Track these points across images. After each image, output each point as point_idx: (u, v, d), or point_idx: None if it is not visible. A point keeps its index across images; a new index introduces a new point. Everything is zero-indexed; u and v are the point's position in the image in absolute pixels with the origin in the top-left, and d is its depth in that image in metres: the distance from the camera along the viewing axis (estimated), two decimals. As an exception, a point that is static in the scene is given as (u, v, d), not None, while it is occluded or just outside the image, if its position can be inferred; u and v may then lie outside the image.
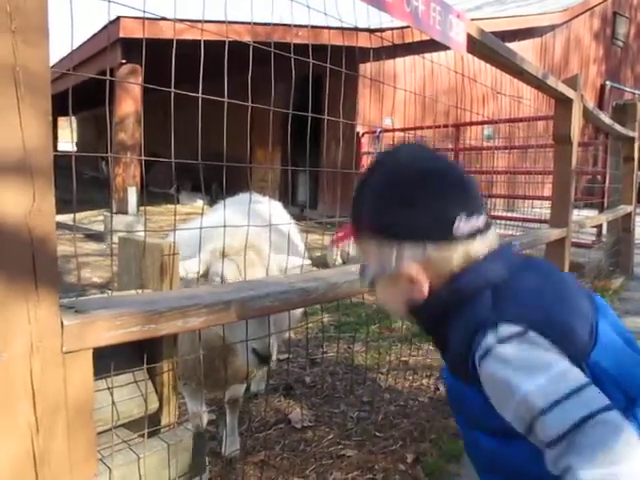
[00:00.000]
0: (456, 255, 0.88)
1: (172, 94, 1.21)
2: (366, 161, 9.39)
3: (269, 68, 1.51)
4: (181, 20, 7.08)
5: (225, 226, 1.31)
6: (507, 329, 0.78)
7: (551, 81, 2.91)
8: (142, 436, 1.27)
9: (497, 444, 0.89)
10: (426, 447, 2.42)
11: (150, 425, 1.29)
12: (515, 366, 0.76)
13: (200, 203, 11.08)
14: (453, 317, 0.88)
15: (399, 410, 2.76)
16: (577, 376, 0.75)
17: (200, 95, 1.33)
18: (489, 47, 2.17)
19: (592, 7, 13.62)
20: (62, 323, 0.87)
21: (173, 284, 1.31)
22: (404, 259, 0.89)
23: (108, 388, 1.19)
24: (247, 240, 1.52)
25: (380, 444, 2.43)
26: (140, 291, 1.25)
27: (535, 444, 0.76)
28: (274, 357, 1.61)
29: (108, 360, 1.12)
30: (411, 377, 3.08)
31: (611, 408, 0.70)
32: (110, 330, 0.94)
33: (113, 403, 1.20)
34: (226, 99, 1.35)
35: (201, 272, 1.68)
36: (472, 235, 0.88)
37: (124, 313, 0.96)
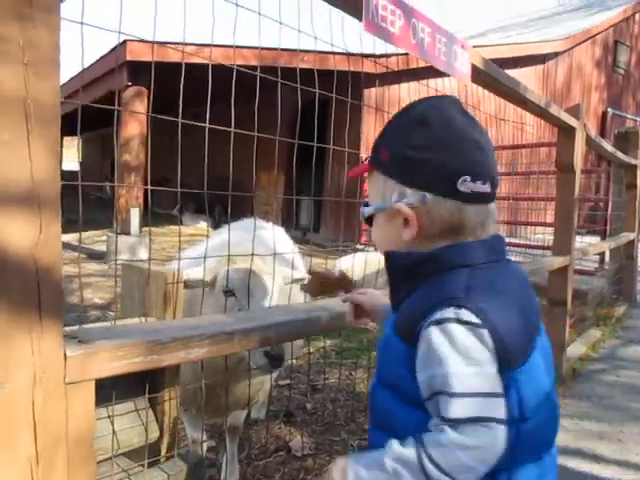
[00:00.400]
0: (450, 213, 0.90)
1: (180, 124, 1.22)
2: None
3: (274, 93, 1.52)
4: (188, 44, 7.20)
5: (229, 255, 1.30)
6: (468, 315, 0.81)
7: (554, 110, 2.93)
8: (142, 466, 1.26)
9: (399, 406, 0.90)
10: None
11: (150, 454, 1.28)
12: (456, 347, 0.80)
13: (204, 225, 11.10)
14: (423, 279, 0.91)
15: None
16: (495, 384, 0.80)
17: (207, 125, 1.35)
18: (493, 77, 2.20)
19: (594, 35, 13.78)
20: (65, 354, 0.86)
21: (177, 312, 1.31)
22: (404, 200, 0.92)
23: (108, 416, 1.18)
24: (251, 264, 1.52)
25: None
26: (143, 319, 1.25)
27: (428, 411, 0.83)
28: (286, 358, 1.58)
29: (108, 389, 1.11)
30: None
31: (503, 423, 0.79)
32: (113, 361, 0.93)
33: (113, 432, 1.18)
34: (232, 129, 1.36)
35: (207, 279, 1.68)
36: (471, 199, 0.90)
37: (127, 344, 0.96)
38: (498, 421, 0.78)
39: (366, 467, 0.84)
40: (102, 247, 7.89)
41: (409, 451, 0.80)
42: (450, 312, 0.82)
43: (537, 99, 2.64)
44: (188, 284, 1.68)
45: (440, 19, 1.73)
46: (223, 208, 12.09)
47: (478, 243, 0.92)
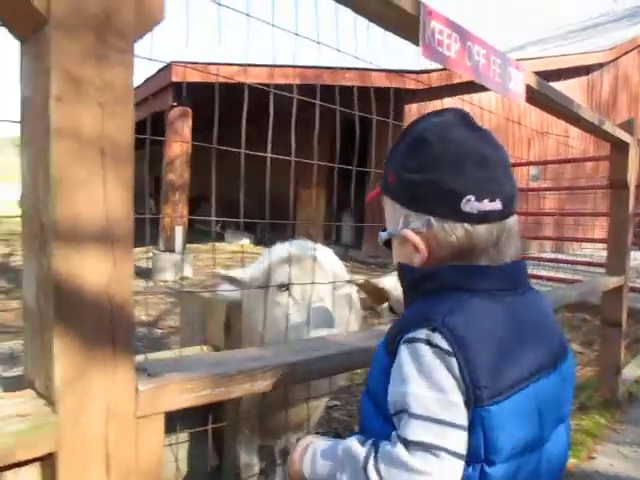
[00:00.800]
0: (457, 237, 0.86)
1: (213, 150, 1.24)
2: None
3: (315, 111, 1.52)
4: (230, 64, 7.34)
5: (289, 285, 1.30)
6: (440, 340, 0.78)
7: (607, 127, 2.86)
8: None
9: (376, 419, 0.88)
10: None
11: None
12: (421, 369, 0.78)
13: (246, 242, 11.22)
14: (424, 295, 0.88)
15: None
16: (456, 415, 0.77)
17: (242, 150, 1.35)
18: (547, 96, 2.16)
19: (640, 45, 13.45)
20: (137, 388, 0.87)
21: (237, 341, 1.31)
22: (410, 226, 0.89)
23: (170, 445, 1.18)
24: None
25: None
26: (204, 348, 1.26)
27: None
28: None
29: (173, 419, 1.12)
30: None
31: (459, 457, 0.76)
32: (182, 394, 0.94)
33: (176, 460, 1.19)
34: (269, 154, 1.37)
35: (261, 278, 1.70)
36: (479, 220, 0.85)
37: (195, 377, 0.96)
38: (451, 453, 0.75)
39: (323, 451, 0.87)
40: (147, 264, 8.04)
41: (361, 450, 0.80)
42: (422, 333, 0.80)
43: (590, 117, 2.58)
44: (244, 283, 1.71)
45: (476, 33, 1.71)
46: (265, 226, 12.21)
47: (490, 269, 0.87)
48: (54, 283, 0.77)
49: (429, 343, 0.78)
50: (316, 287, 1.66)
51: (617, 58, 12.69)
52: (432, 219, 0.86)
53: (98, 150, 0.81)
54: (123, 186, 0.84)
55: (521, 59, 8.02)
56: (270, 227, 11.68)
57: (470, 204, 0.84)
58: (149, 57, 1.04)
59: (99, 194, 0.81)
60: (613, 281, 3.23)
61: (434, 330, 0.79)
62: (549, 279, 6.21)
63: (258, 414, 1.55)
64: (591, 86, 12.32)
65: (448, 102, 8.98)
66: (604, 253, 6.08)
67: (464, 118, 0.92)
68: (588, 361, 4.18)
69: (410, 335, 0.81)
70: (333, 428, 2.97)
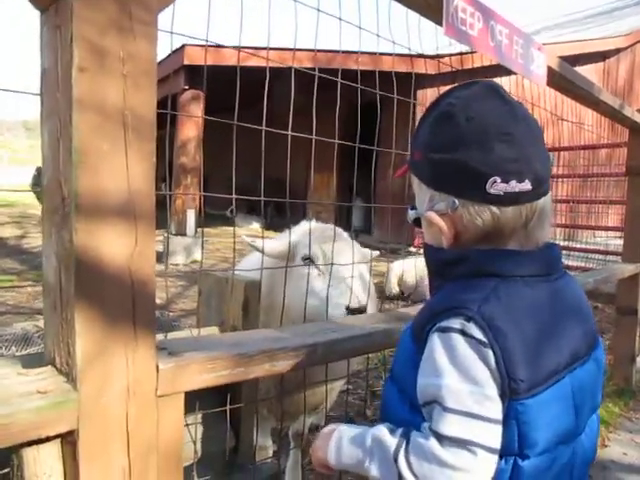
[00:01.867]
0: (483, 220, 0.82)
1: (234, 127, 1.23)
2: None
3: (327, 94, 1.49)
4: (243, 47, 7.28)
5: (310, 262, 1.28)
6: (475, 330, 0.75)
7: (627, 111, 2.80)
8: (218, 475, 1.26)
9: (403, 407, 0.86)
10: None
11: (227, 463, 1.27)
12: (455, 360, 0.75)
13: (256, 226, 11.21)
14: (450, 279, 0.85)
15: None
16: (491, 409, 0.74)
17: (264, 128, 1.33)
18: (568, 79, 2.11)
19: (658, 30, 13.19)
20: (157, 367, 0.86)
21: (255, 321, 1.30)
22: (435, 207, 0.86)
23: (187, 425, 1.18)
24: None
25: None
26: (217, 329, 1.24)
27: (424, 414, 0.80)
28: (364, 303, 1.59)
29: (191, 399, 1.11)
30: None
31: (493, 452, 0.73)
32: (202, 374, 0.93)
33: (193, 441, 1.18)
34: (290, 132, 1.35)
35: (285, 251, 1.72)
36: (506, 201, 0.81)
37: (215, 357, 0.95)
38: (486, 449, 0.72)
39: (351, 439, 0.85)
40: (159, 247, 8.07)
41: (392, 440, 0.78)
42: (457, 322, 0.76)
43: (611, 101, 2.53)
44: (269, 255, 1.70)
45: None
46: (275, 209, 12.19)
47: (524, 254, 0.83)
48: (76, 257, 0.76)
49: (464, 333, 0.75)
50: (350, 260, 1.66)
51: (634, 44, 12.47)
52: (456, 201, 0.82)
53: (121, 123, 0.79)
54: (145, 160, 0.82)
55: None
56: (280, 211, 11.67)
57: (496, 186, 0.80)
58: (170, 31, 1.02)
59: (122, 167, 0.80)
60: (629, 269, 3.19)
61: (469, 319, 0.75)
62: (565, 267, 6.15)
63: (276, 395, 1.54)
64: (607, 72, 12.13)
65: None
66: (617, 241, 6.02)
67: (493, 90, 0.86)
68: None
69: (443, 324, 0.77)
70: (344, 412, 2.96)
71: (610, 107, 2.59)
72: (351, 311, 1.53)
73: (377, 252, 1.93)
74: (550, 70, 1.93)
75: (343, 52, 7.68)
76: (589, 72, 11.13)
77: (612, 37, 11.88)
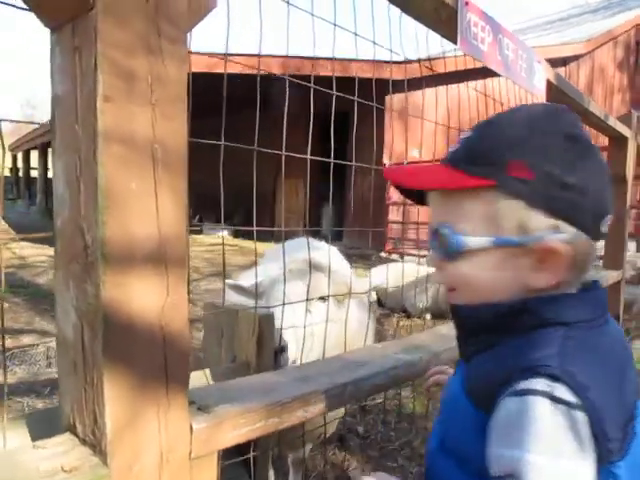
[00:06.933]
0: (582, 255, 0.74)
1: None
2: (393, 193, 9.34)
3: (294, 102, 1.38)
4: (210, 54, 7.13)
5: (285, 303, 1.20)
6: (565, 393, 0.65)
7: (611, 121, 2.82)
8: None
9: (460, 473, 0.77)
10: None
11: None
12: (540, 430, 0.64)
13: (224, 234, 11.05)
14: (507, 334, 0.75)
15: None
16: None
17: (222, 142, 1.22)
18: (562, 91, 2.09)
19: (616, 37, 13.57)
20: (191, 427, 0.77)
21: (269, 357, 1.22)
22: (549, 237, 0.72)
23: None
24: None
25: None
26: (231, 366, 1.15)
27: None
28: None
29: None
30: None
31: None
32: (235, 429, 0.84)
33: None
34: (255, 147, 1.25)
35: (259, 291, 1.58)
36: (600, 239, 0.76)
37: (249, 409, 0.86)
38: None
39: None
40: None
41: None
42: (540, 384, 0.66)
43: (599, 111, 2.53)
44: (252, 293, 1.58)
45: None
46: (242, 217, 12.04)
47: (578, 296, 0.76)
48: (104, 314, 0.66)
49: (551, 397, 0.64)
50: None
51: (593, 50, 12.81)
52: (583, 235, 0.73)
53: (150, 157, 0.70)
54: (177, 199, 0.73)
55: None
56: (249, 219, 11.52)
57: (605, 224, 0.75)
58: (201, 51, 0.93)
59: (152, 209, 0.70)
60: (613, 276, 3.21)
61: (555, 379, 0.65)
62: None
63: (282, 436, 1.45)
64: (568, 77, 12.42)
65: (429, 92, 8.94)
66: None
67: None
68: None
69: (520, 387, 0.67)
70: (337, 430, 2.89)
71: (596, 117, 2.59)
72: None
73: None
74: (548, 83, 1.90)
75: (310, 58, 7.63)
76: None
77: (572, 43, 12.18)
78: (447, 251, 0.78)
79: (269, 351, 1.22)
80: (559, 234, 0.72)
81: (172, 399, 0.74)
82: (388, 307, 5.63)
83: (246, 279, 1.80)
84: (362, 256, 8.88)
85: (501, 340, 0.75)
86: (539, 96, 1.84)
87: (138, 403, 0.70)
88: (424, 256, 8.11)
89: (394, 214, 9.49)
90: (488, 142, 0.76)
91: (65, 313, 0.73)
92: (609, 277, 3.20)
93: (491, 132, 0.78)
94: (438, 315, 5.28)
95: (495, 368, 0.73)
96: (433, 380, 1.11)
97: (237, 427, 0.84)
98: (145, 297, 0.70)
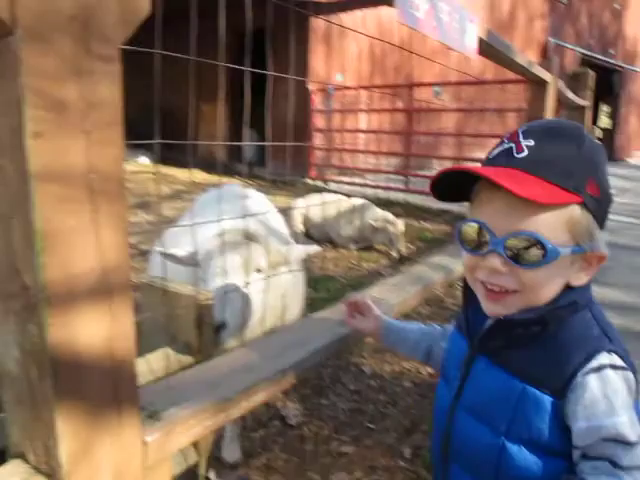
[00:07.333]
0: None
1: None
2: (317, 119, 9.24)
3: (213, 20, 1.29)
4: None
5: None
6: (618, 360, 0.82)
7: (534, 69, 2.90)
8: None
9: (537, 459, 0.87)
10: (420, 439, 2.47)
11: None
12: (618, 395, 0.80)
13: (145, 160, 10.63)
14: (556, 323, 0.87)
15: (387, 398, 2.80)
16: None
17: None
18: (492, 46, 2.12)
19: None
20: (144, 441, 0.79)
21: (210, 336, 1.24)
22: (597, 246, 0.87)
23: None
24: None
25: (375, 437, 2.47)
26: (169, 351, 1.17)
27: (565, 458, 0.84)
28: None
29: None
30: (392, 360, 3.12)
31: None
32: (187, 430, 0.87)
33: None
34: (192, 57, 1.18)
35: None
36: None
37: (198, 410, 0.89)
38: None
39: None
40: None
41: None
42: (604, 358, 0.82)
43: (524, 62, 2.60)
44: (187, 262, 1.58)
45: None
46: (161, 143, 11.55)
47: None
48: (51, 356, 0.65)
49: (614, 366, 0.81)
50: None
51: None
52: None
53: (86, 189, 0.67)
54: (118, 228, 0.71)
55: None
56: (170, 144, 11.07)
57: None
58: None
59: (92, 241, 0.68)
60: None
61: (610, 352, 0.82)
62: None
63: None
64: (491, 4, 12.41)
65: (359, 17, 8.71)
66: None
67: None
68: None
69: (594, 364, 0.81)
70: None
71: (521, 66, 2.66)
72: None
73: (318, 248, 1.79)
74: (480, 40, 1.92)
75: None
76: (476, 4, 11.34)
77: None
78: (531, 258, 0.84)
79: (209, 331, 1.24)
80: (599, 242, 0.87)
81: (124, 420, 0.75)
82: (315, 238, 5.71)
83: (177, 242, 1.75)
84: (287, 182, 8.86)
85: (543, 331, 0.87)
86: (470, 53, 1.85)
87: (92, 433, 0.71)
88: (349, 183, 8.20)
89: (318, 140, 9.44)
90: (573, 159, 0.84)
91: (5, 345, 0.71)
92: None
93: (575, 146, 0.85)
94: (363, 245, 5.44)
95: (560, 355, 0.85)
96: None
97: (189, 429, 0.87)
98: (91, 330, 0.69)
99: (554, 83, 3.34)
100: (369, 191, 7.67)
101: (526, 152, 0.84)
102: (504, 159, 0.86)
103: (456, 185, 0.92)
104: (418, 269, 1.89)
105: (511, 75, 3.99)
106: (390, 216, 5.33)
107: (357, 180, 8.43)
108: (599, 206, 0.86)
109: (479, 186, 0.89)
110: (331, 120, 9.20)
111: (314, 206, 5.69)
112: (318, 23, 8.50)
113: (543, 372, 0.85)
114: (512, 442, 0.88)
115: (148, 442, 0.79)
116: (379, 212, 5.39)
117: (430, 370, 3.10)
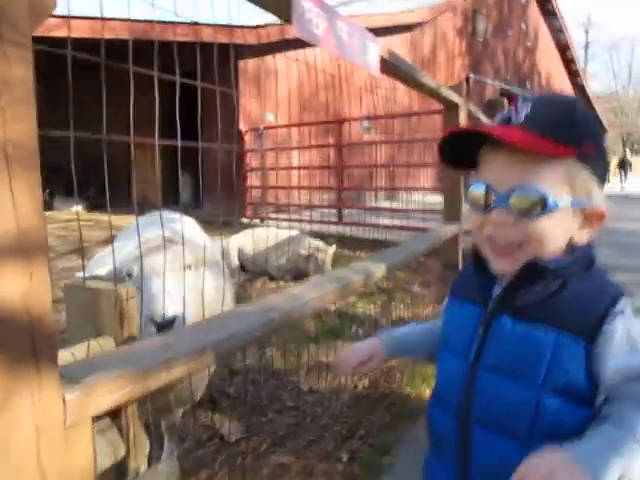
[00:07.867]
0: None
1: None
2: (250, 159, 9.40)
3: (146, 66, 1.38)
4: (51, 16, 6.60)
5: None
6: (630, 303, 0.93)
7: (443, 91, 3.14)
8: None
9: (572, 410, 0.90)
10: (357, 444, 2.55)
11: (119, 473, 1.27)
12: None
13: (78, 209, 10.44)
14: (576, 276, 0.94)
15: (324, 411, 2.87)
16: None
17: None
18: (395, 65, 2.31)
19: (455, 5, 14.58)
20: (64, 398, 0.85)
21: (132, 329, 1.30)
22: (596, 201, 0.94)
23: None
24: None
25: (313, 447, 2.53)
26: (100, 341, 1.22)
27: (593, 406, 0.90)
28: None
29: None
30: (328, 376, 3.20)
31: None
32: (107, 395, 0.93)
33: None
34: (104, 136, 1.28)
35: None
36: None
37: (118, 375, 0.95)
38: None
39: (600, 460, 0.77)
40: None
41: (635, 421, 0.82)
42: (622, 303, 0.91)
43: (432, 83, 2.82)
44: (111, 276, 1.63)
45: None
46: (97, 189, 11.41)
47: None
48: (-30, 307, 0.72)
49: (636, 310, 0.93)
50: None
51: (436, 17, 13.65)
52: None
53: (3, 157, 0.75)
54: (32, 192, 0.79)
55: (352, 16, 8.26)
56: (103, 191, 10.93)
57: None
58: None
59: (8, 203, 0.76)
60: (452, 230, 3.61)
61: (627, 297, 0.92)
62: (401, 227, 6.84)
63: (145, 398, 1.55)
64: (414, 43, 13.16)
65: (281, 57, 9.03)
66: (432, 198, 6.73)
67: None
68: (429, 300, 4.66)
69: (617, 309, 0.90)
70: (207, 394, 3.01)
71: (429, 87, 2.88)
72: (160, 325, 1.57)
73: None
74: (382, 59, 2.10)
75: (159, 22, 7.34)
76: (399, 43, 12.01)
77: (417, 10, 12.88)
78: (532, 209, 0.90)
79: (132, 324, 1.30)
80: (598, 198, 0.94)
81: (44, 376, 0.81)
82: (251, 272, 5.76)
83: (102, 264, 1.80)
84: (225, 223, 8.91)
85: (565, 284, 0.94)
86: (374, 71, 2.03)
87: (11, 384, 0.76)
88: (285, 220, 8.34)
89: (253, 179, 9.59)
90: (567, 119, 0.92)
91: None
92: (448, 231, 3.60)
93: (567, 109, 0.94)
94: (298, 276, 5.54)
95: (587, 303, 0.92)
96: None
97: (108, 392, 0.93)
98: (9, 287, 0.76)
99: (465, 106, 3.61)
100: (306, 227, 7.84)
101: (523, 114, 0.93)
102: (505, 123, 0.96)
103: (461, 152, 1.00)
104: (340, 272, 2.00)
105: (437, 106, 4.26)
106: (320, 244, 5.47)
107: (293, 216, 8.58)
108: (596, 164, 0.93)
109: (483, 150, 0.97)
110: (264, 159, 9.39)
111: (248, 240, 5.76)
112: (247, 65, 8.77)
113: (572, 319, 0.91)
114: (548, 394, 0.90)
115: (67, 400, 0.85)
116: (308, 241, 5.51)
117: (365, 384, 3.19)
